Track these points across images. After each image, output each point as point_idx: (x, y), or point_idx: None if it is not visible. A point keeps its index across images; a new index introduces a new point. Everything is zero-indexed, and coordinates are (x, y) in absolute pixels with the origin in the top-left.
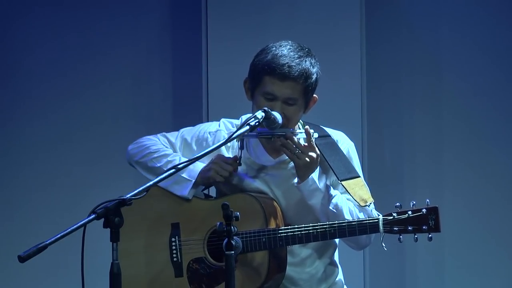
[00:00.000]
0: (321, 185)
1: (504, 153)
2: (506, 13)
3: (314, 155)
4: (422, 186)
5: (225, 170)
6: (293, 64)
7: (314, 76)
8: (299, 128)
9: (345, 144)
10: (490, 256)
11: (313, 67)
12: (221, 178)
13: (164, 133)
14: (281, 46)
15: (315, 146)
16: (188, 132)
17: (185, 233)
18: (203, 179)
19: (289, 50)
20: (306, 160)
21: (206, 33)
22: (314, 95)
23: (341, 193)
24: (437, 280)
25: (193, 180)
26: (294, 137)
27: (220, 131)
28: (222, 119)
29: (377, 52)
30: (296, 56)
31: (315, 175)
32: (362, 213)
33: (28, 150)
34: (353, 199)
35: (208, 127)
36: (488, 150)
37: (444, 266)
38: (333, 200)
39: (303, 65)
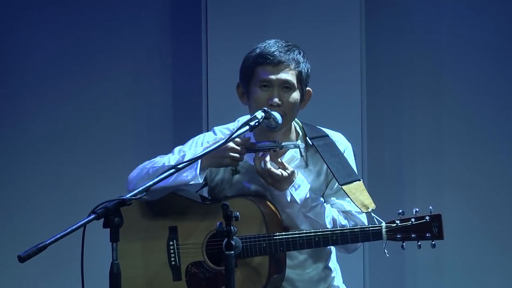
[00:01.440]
0: (300, 195)
1: (505, 156)
2: (506, 15)
3: (284, 173)
4: (422, 188)
5: (240, 155)
6: (282, 50)
7: (305, 65)
8: (297, 127)
9: (343, 145)
10: (489, 258)
11: (302, 57)
12: (237, 164)
13: (159, 155)
14: (267, 41)
15: (284, 164)
16: (183, 147)
17: (183, 237)
18: (214, 163)
19: (276, 42)
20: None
21: (206, 33)
22: (309, 88)
23: (341, 195)
24: (436, 281)
25: (199, 160)
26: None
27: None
28: (215, 128)
29: (377, 54)
30: (284, 45)
31: (312, 176)
32: (347, 220)
33: (28, 150)
34: (354, 204)
35: (204, 138)
36: (488, 153)
37: (443, 267)
38: (314, 209)
39: (292, 53)
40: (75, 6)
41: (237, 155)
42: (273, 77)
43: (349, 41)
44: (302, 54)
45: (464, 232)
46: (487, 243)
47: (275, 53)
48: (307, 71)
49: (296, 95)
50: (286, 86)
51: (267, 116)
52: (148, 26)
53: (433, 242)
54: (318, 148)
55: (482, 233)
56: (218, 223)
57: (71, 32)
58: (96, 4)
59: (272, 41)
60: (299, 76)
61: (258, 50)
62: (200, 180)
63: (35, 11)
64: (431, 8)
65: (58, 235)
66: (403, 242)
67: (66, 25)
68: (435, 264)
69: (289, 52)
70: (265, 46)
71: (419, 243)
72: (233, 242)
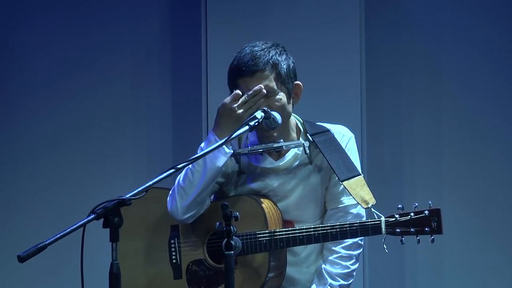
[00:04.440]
0: None
1: (503, 154)
2: (505, 16)
3: None
4: (421, 186)
5: (256, 103)
6: (256, 57)
7: (284, 63)
8: (298, 124)
9: (345, 137)
10: (489, 256)
11: (279, 55)
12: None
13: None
14: (243, 49)
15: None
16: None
17: (184, 235)
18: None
19: (251, 48)
20: None
21: (205, 34)
22: (297, 82)
23: (342, 193)
24: (436, 279)
25: (227, 150)
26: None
27: None
28: None
29: (377, 54)
30: (259, 49)
31: (316, 172)
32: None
33: (28, 150)
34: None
35: None
36: (486, 151)
37: (443, 266)
38: None
39: (267, 56)
40: (75, 8)
41: (252, 103)
42: (252, 87)
43: (349, 42)
44: (279, 54)
45: (463, 230)
46: (486, 241)
47: (248, 62)
48: (288, 68)
49: (280, 96)
50: (269, 93)
51: (267, 116)
52: (147, 27)
53: (432, 237)
54: (318, 144)
55: (481, 231)
56: (217, 223)
57: (70, 33)
58: (95, 6)
59: (247, 48)
60: (278, 77)
61: (235, 62)
62: (229, 150)
63: (35, 15)
64: (431, 9)
65: (58, 235)
66: (402, 237)
67: (66, 27)
68: (434, 263)
69: (262, 57)
70: (240, 56)
71: (418, 237)
72: (232, 242)
